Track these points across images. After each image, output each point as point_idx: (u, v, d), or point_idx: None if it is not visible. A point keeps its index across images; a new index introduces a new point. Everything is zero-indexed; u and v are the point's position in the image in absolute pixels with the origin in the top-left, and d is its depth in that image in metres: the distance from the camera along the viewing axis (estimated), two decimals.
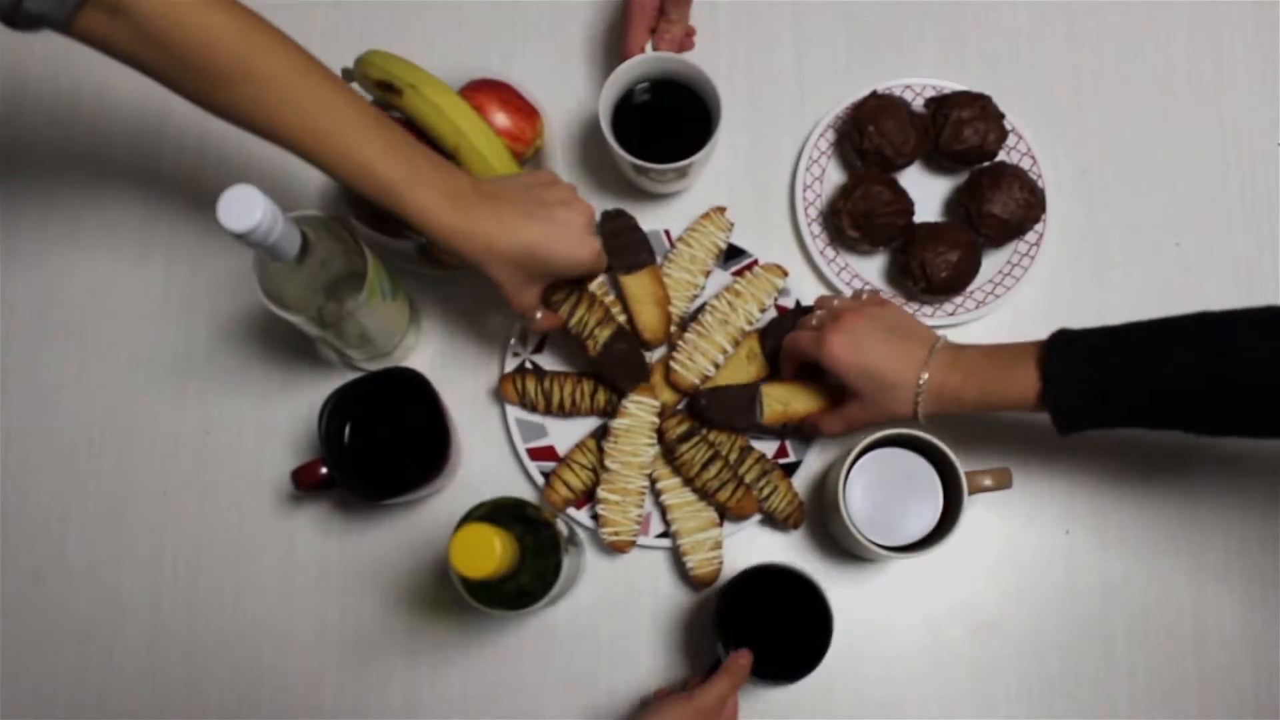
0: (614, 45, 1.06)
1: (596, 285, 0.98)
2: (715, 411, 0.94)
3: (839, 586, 0.96)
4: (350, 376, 0.91)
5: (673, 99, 0.97)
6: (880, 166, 0.99)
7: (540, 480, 0.96)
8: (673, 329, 0.98)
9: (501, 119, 0.96)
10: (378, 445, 0.90)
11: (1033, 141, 1.01)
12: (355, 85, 0.98)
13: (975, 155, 0.99)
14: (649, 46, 0.97)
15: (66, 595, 0.97)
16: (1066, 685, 0.94)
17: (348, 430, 0.90)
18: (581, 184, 1.03)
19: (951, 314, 0.99)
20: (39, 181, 1.05)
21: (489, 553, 0.68)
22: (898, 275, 0.99)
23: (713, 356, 0.95)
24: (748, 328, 0.97)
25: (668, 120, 0.97)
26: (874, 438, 0.88)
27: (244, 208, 0.69)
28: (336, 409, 0.89)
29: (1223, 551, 0.96)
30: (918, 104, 1.02)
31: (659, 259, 1.00)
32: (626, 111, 0.97)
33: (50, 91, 1.07)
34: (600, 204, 1.02)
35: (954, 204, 1.01)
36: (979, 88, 1.00)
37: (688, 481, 0.94)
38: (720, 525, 0.94)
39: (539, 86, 1.02)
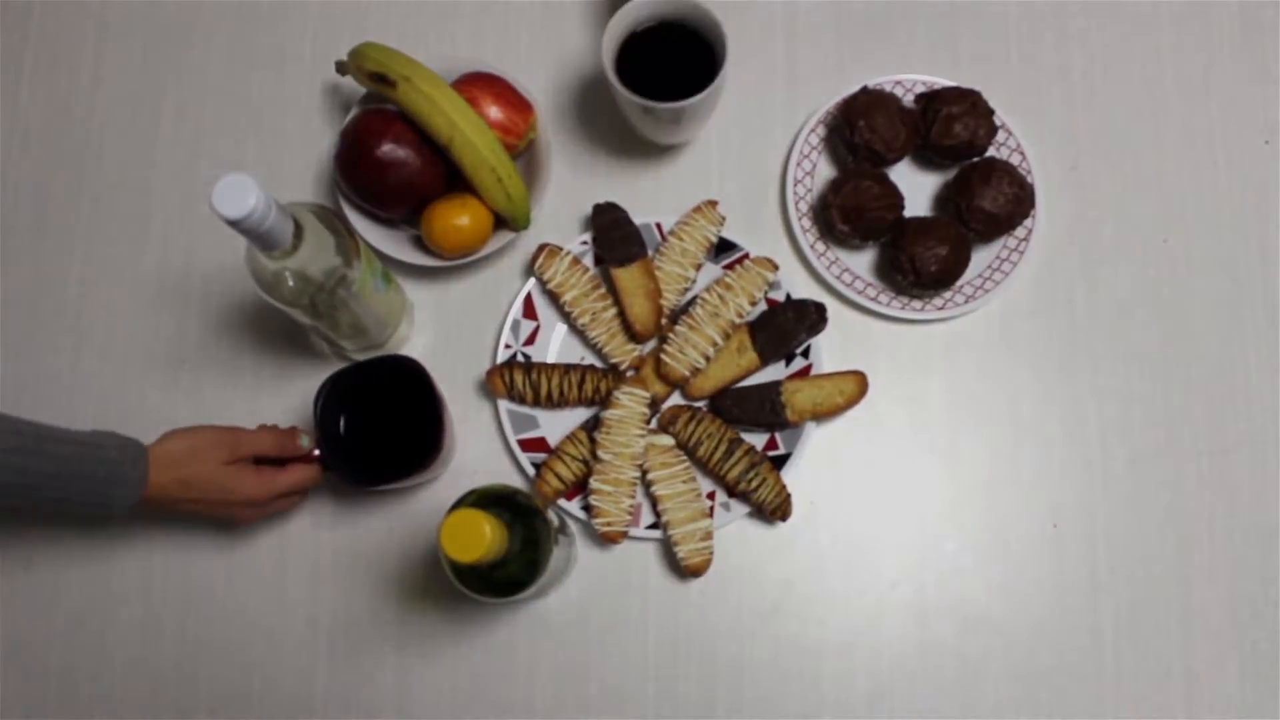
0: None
1: (588, 278, 0.99)
2: (739, 413, 0.96)
3: (830, 578, 0.97)
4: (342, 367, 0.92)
5: (677, 42, 0.96)
6: (871, 161, 1.00)
7: (531, 472, 0.96)
8: (663, 321, 0.99)
9: (494, 112, 0.96)
10: (372, 432, 0.91)
11: (1022, 137, 1.02)
12: (349, 77, 0.98)
13: (965, 151, 1.00)
14: None
15: (58, 583, 0.97)
16: (1053, 679, 0.95)
17: (343, 417, 0.90)
18: (574, 176, 1.04)
19: (941, 308, 0.99)
20: (33, 172, 1.05)
21: (479, 537, 0.68)
22: (887, 269, 0.99)
23: (703, 349, 0.96)
24: (738, 321, 0.97)
25: (673, 63, 0.95)
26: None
27: (238, 195, 0.69)
28: (332, 394, 0.89)
29: (1210, 546, 0.97)
30: (908, 100, 1.03)
31: (650, 252, 1.00)
32: (629, 57, 0.96)
33: (45, 82, 1.07)
34: (594, 194, 1.02)
35: (944, 199, 1.02)
36: (969, 84, 1.01)
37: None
38: (710, 516, 0.95)
39: (532, 80, 1.03)
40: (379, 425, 0.92)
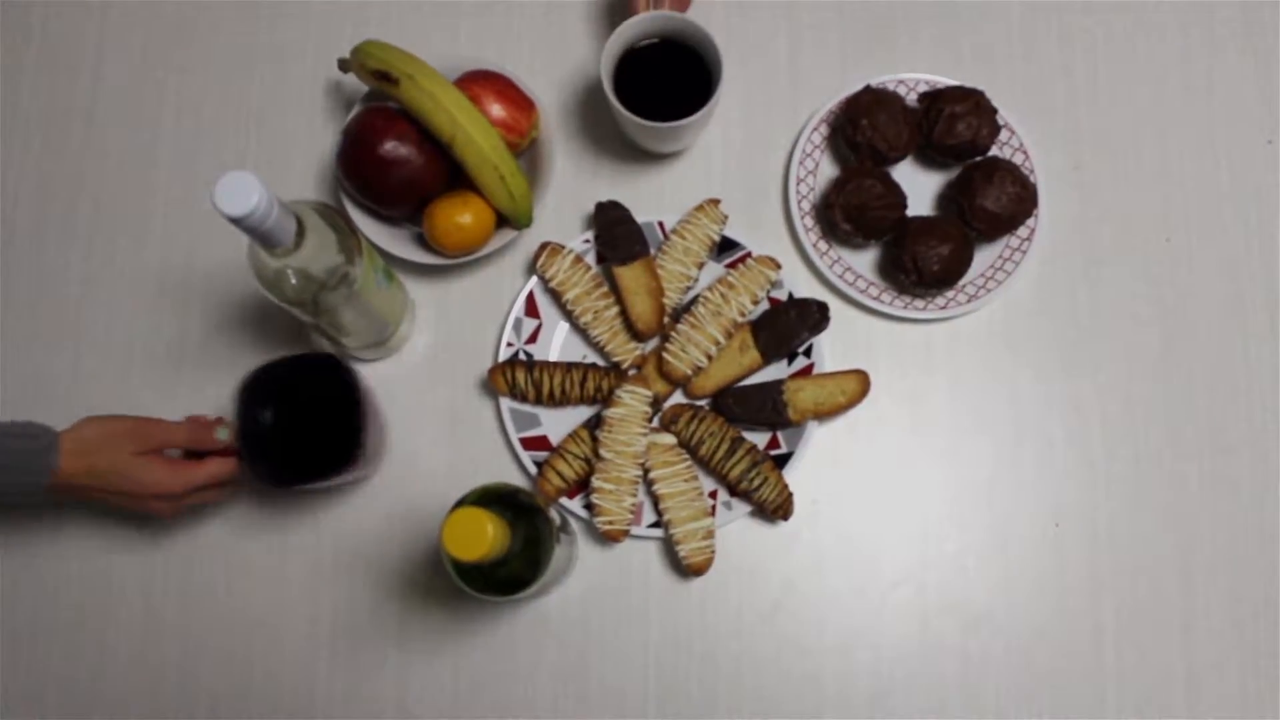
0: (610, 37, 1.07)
1: (590, 277, 0.99)
2: (741, 412, 0.96)
3: (832, 577, 0.97)
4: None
5: (674, 58, 0.97)
6: (873, 161, 1.00)
7: (533, 470, 0.96)
8: (666, 320, 0.99)
9: (497, 110, 0.96)
10: (298, 430, 0.89)
11: (1025, 137, 1.02)
12: (351, 74, 0.98)
13: (968, 150, 1.00)
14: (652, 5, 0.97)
15: (59, 582, 0.97)
16: (1054, 679, 0.95)
17: (270, 414, 0.89)
18: (577, 174, 1.04)
19: (943, 308, 0.99)
20: (34, 170, 1.05)
21: (481, 536, 0.68)
22: (889, 269, 0.99)
23: (705, 348, 0.96)
24: (740, 319, 0.97)
25: (670, 78, 0.97)
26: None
27: (240, 192, 0.69)
28: (257, 390, 0.87)
29: (1211, 545, 0.97)
30: (911, 99, 1.03)
31: (652, 250, 1.00)
32: (627, 71, 0.97)
33: (46, 82, 1.07)
34: (596, 192, 1.02)
35: (946, 198, 1.02)
36: (972, 83, 1.01)
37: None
38: (712, 515, 0.95)
39: (535, 79, 1.03)
40: (306, 424, 0.90)
